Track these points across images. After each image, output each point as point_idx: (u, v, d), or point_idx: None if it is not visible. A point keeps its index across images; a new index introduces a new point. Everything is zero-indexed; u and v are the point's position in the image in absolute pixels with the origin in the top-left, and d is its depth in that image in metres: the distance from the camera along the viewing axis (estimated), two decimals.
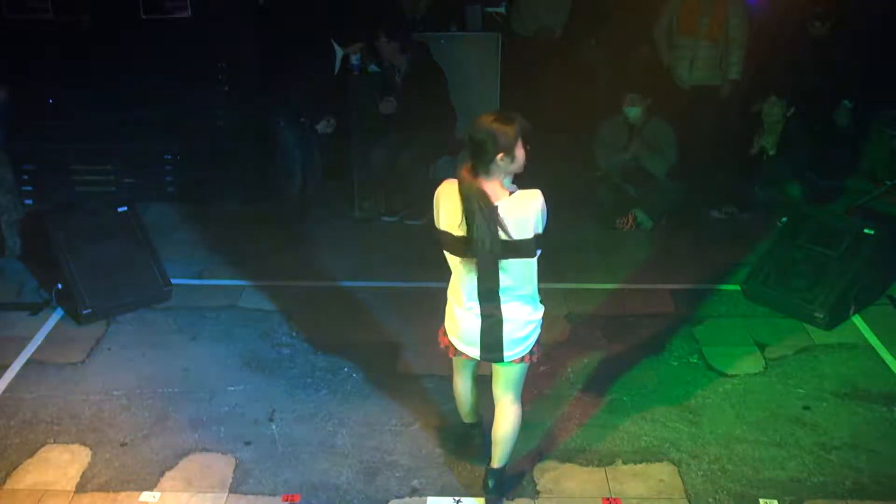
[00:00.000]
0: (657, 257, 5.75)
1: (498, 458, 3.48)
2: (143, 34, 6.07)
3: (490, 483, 3.51)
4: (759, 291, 5.09)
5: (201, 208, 6.38)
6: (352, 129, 6.21)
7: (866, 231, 4.94)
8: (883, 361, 4.55)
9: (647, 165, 6.12)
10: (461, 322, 3.23)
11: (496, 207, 2.96)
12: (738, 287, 5.26)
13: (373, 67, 6.19)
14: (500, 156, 2.95)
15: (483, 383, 3.60)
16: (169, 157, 6.48)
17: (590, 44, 7.08)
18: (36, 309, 5.01)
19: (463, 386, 3.59)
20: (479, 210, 2.93)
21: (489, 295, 3.12)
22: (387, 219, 6.32)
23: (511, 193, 3.02)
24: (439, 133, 6.10)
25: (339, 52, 5.83)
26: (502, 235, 2.98)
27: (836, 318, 4.84)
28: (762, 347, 4.66)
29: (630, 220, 6.14)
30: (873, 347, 4.67)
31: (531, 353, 3.27)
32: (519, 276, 3.08)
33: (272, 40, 5.98)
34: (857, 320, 4.91)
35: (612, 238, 6.07)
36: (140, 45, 6.05)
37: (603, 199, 6.26)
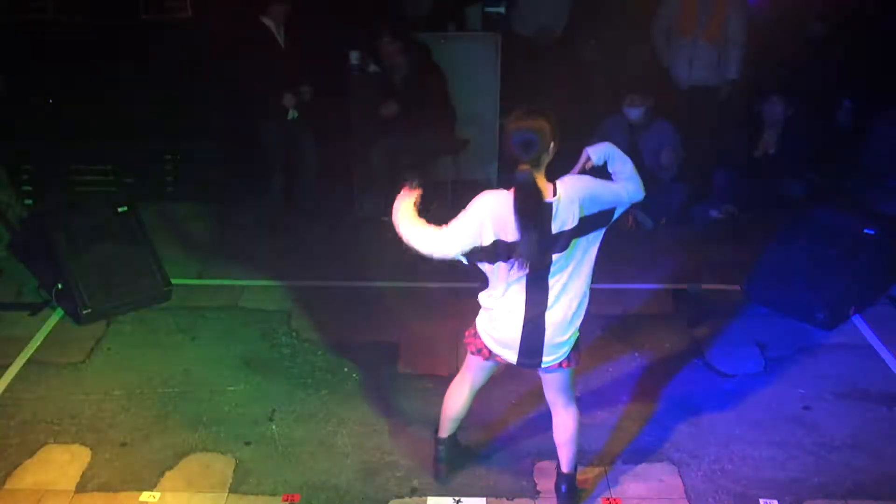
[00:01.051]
0: (657, 257, 5.75)
1: (566, 461, 3.47)
2: (143, 34, 6.08)
3: (562, 488, 3.50)
4: (759, 291, 5.09)
5: (201, 208, 6.37)
6: (352, 129, 6.21)
7: (866, 231, 4.94)
8: (883, 361, 4.55)
9: (650, 167, 6.11)
10: (502, 325, 3.15)
11: (550, 202, 2.94)
12: (738, 287, 5.26)
13: (373, 67, 6.20)
14: (552, 145, 2.97)
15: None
16: (169, 157, 6.48)
17: (590, 44, 7.08)
18: (36, 309, 5.01)
19: (468, 391, 3.47)
20: (536, 207, 2.92)
21: (536, 297, 3.06)
22: (387, 219, 6.30)
23: (554, 184, 3.00)
24: (439, 133, 6.11)
25: (271, 23, 5.77)
26: (556, 228, 2.95)
27: (836, 318, 4.84)
28: (762, 347, 4.67)
29: (630, 220, 6.14)
30: (873, 347, 4.67)
31: (568, 359, 3.22)
32: (573, 272, 3.06)
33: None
34: (857, 320, 4.92)
35: (612, 238, 6.04)
36: (140, 45, 6.06)
37: None
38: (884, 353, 4.61)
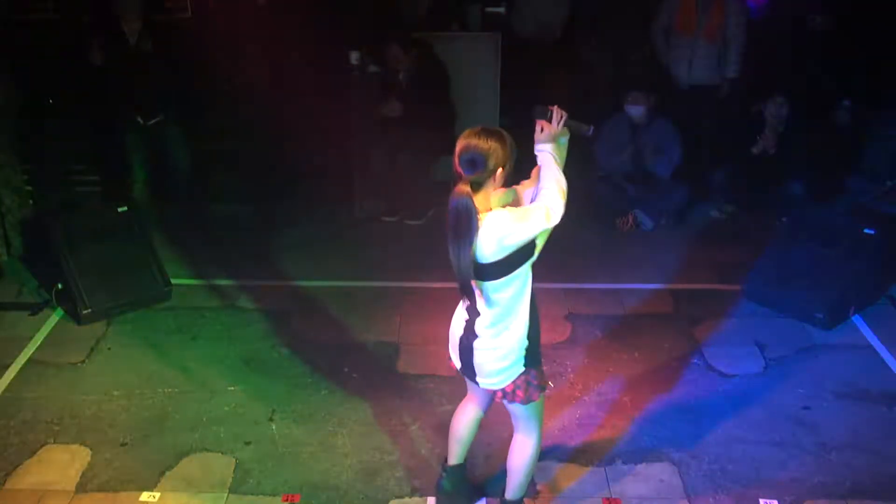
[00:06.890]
0: (657, 257, 5.75)
1: (511, 489, 3.32)
2: (142, 34, 6.06)
3: None
4: (759, 291, 5.09)
5: (201, 208, 6.37)
6: (352, 130, 6.21)
7: (866, 231, 4.94)
8: (883, 361, 4.55)
9: (651, 166, 6.12)
10: (452, 331, 3.12)
11: (478, 226, 2.79)
12: (738, 287, 5.26)
13: (373, 67, 6.19)
14: (499, 171, 2.81)
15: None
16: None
17: (590, 44, 7.08)
18: (36, 309, 5.01)
19: (470, 411, 3.34)
20: (461, 227, 2.79)
21: (471, 317, 3.00)
22: (387, 219, 6.32)
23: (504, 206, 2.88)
24: (439, 132, 6.10)
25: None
26: (477, 256, 2.82)
27: (836, 318, 4.84)
28: (762, 347, 4.67)
29: (630, 220, 6.14)
30: (873, 347, 4.67)
31: (504, 392, 3.05)
32: (495, 301, 2.92)
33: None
34: (857, 320, 4.92)
35: (612, 238, 6.07)
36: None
37: (603, 199, 6.27)
38: (884, 353, 4.61)
